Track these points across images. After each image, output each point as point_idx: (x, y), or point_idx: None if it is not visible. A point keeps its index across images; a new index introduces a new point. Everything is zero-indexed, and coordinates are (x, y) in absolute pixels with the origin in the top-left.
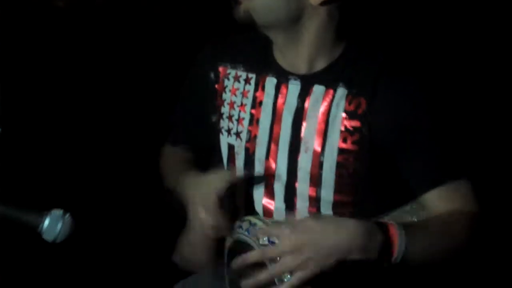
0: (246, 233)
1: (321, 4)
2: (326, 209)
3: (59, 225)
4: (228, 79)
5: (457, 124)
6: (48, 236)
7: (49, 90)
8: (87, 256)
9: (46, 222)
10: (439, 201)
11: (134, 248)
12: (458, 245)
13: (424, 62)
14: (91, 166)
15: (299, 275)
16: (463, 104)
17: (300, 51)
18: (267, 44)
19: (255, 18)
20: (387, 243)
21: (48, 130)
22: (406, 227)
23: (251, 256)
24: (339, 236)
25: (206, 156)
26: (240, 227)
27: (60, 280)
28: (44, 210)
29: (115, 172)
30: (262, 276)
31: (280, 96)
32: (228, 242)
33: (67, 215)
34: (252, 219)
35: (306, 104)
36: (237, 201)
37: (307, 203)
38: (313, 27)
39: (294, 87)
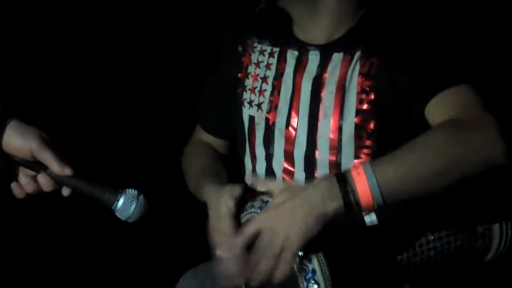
0: (258, 211)
1: None
2: None
3: (133, 205)
4: (254, 52)
5: (458, 36)
6: (121, 215)
7: (59, 85)
8: (95, 248)
9: (121, 201)
10: (439, 109)
11: (145, 236)
12: (445, 153)
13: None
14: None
15: (287, 248)
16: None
17: (319, 22)
18: (288, 20)
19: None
20: (354, 180)
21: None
22: (374, 159)
23: (238, 244)
24: (307, 198)
25: (232, 136)
26: (252, 206)
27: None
28: (119, 188)
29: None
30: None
31: (300, 66)
32: (242, 221)
33: (142, 196)
34: (265, 197)
35: (325, 73)
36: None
37: (327, 170)
38: (329, 4)
39: (314, 57)
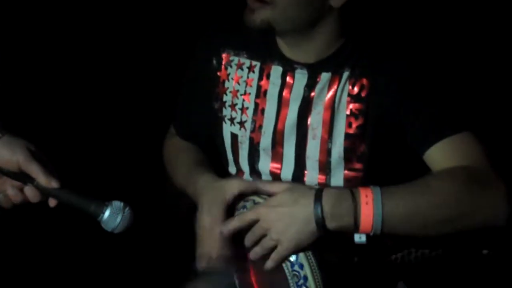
0: (253, 204)
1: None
2: None
3: (119, 217)
4: (231, 66)
5: (455, 80)
6: (107, 227)
7: (28, 70)
8: (94, 256)
9: (107, 213)
10: (440, 156)
11: (145, 246)
12: (452, 199)
13: (422, 32)
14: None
15: (277, 250)
16: (462, 62)
17: (310, 45)
18: (270, 32)
19: (275, 26)
20: (361, 204)
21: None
22: (385, 188)
23: (231, 225)
24: (308, 208)
25: (210, 145)
26: (245, 206)
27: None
28: (105, 200)
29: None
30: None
31: (286, 85)
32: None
33: (127, 208)
34: (256, 198)
35: (313, 93)
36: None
37: None
38: (326, 25)
39: (300, 76)
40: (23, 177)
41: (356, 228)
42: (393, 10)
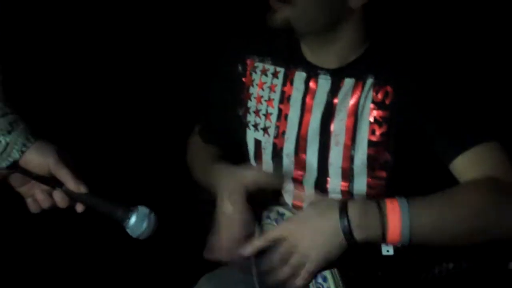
0: (273, 223)
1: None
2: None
3: (145, 223)
4: (256, 72)
5: (482, 90)
6: (133, 232)
7: (58, 77)
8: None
9: (133, 218)
10: (467, 166)
11: (160, 241)
12: (481, 210)
13: (447, 40)
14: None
15: (307, 266)
16: (489, 70)
17: (332, 49)
18: (294, 39)
19: (295, 27)
20: (388, 215)
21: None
22: (411, 199)
23: (255, 245)
24: (335, 221)
25: (234, 150)
26: (268, 217)
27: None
28: (131, 205)
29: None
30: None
31: (309, 91)
32: (256, 233)
33: (153, 214)
34: (280, 209)
35: (336, 98)
36: (267, 194)
37: (339, 196)
38: (348, 29)
39: (324, 81)
40: (52, 182)
41: (383, 239)
42: (419, 16)
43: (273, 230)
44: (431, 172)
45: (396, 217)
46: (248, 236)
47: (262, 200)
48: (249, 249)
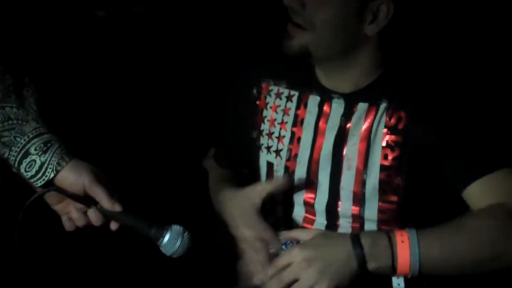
0: (284, 247)
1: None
2: (370, 226)
3: (178, 242)
4: (270, 95)
5: (495, 116)
6: (166, 251)
7: (94, 98)
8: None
9: (167, 237)
10: (481, 194)
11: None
12: (490, 240)
13: (461, 66)
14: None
15: None
16: (502, 99)
17: (346, 74)
18: (307, 60)
19: (312, 52)
20: (397, 247)
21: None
22: (420, 230)
23: (268, 275)
24: (348, 248)
25: (248, 174)
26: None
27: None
28: (165, 224)
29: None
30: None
31: (323, 114)
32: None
33: (186, 232)
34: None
35: (349, 123)
36: (277, 212)
37: (350, 221)
38: (363, 55)
39: (337, 105)
40: (87, 200)
41: (394, 270)
42: (433, 43)
43: (283, 257)
44: (443, 197)
45: (405, 249)
46: (276, 254)
47: (274, 222)
48: (260, 277)
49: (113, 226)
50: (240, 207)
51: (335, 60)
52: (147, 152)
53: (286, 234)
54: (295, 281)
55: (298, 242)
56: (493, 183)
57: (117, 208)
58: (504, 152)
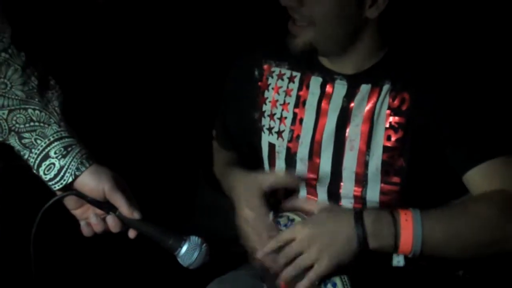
0: (283, 228)
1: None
2: (372, 208)
3: (196, 253)
4: (272, 77)
5: (499, 102)
6: (183, 262)
7: (99, 88)
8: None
9: (184, 248)
10: (481, 179)
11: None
12: (491, 224)
13: (466, 49)
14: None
15: (316, 268)
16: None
17: (349, 57)
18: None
19: (317, 46)
20: (401, 226)
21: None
22: (424, 210)
23: (268, 248)
24: (350, 226)
25: (249, 155)
26: (278, 222)
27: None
28: (183, 234)
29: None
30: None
31: (325, 95)
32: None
33: (204, 244)
34: (291, 214)
35: (352, 104)
36: (278, 193)
37: (352, 201)
38: (365, 37)
39: (340, 86)
40: (106, 206)
41: (395, 248)
42: (437, 23)
43: (286, 232)
44: (444, 179)
45: (409, 228)
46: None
47: (275, 204)
48: (261, 253)
49: (132, 234)
50: (247, 190)
51: (340, 48)
52: (167, 160)
53: (291, 204)
54: (296, 257)
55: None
56: (494, 169)
57: (136, 215)
58: (506, 139)
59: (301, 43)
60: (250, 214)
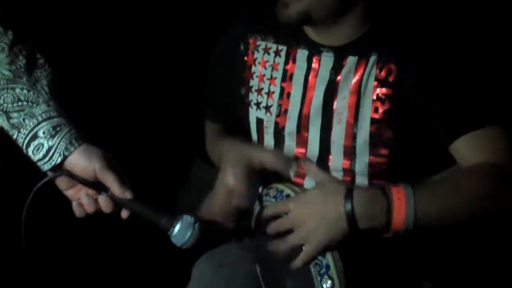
0: (273, 200)
1: None
2: (361, 180)
3: (189, 232)
4: (258, 51)
5: (485, 73)
6: (176, 241)
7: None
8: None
9: (177, 227)
10: (468, 150)
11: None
12: (483, 199)
13: (452, 19)
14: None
15: (306, 250)
16: (494, 53)
17: (336, 29)
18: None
19: (313, 16)
20: (394, 204)
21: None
22: (416, 185)
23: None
24: (340, 208)
25: (237, 129)
26: (268, 194)
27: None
28: (175, 213)
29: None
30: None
31: (312, 69)
32: (255, 209)
33: (197, 223)
34: (280, 186)
35: (339, 76)
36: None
37: (341, 173)
38: (354, 10)
39: (327, 59)
40: (98, 186)
41: (387, 227)
42: None
43: (281, 204)
44: (432, 151)
45: (401, 204)
46: (244, 211)
47: (264, 177)
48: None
49: (124, 214)
50: (237, 158)
51: (334, 15)
52: (159, 140)
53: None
54: (288, 232)
55: (287, 196)
56: (480, 140)
57: (128, 195)
58: (493, 110)
59: (294, 13)
60: (229, 179)
